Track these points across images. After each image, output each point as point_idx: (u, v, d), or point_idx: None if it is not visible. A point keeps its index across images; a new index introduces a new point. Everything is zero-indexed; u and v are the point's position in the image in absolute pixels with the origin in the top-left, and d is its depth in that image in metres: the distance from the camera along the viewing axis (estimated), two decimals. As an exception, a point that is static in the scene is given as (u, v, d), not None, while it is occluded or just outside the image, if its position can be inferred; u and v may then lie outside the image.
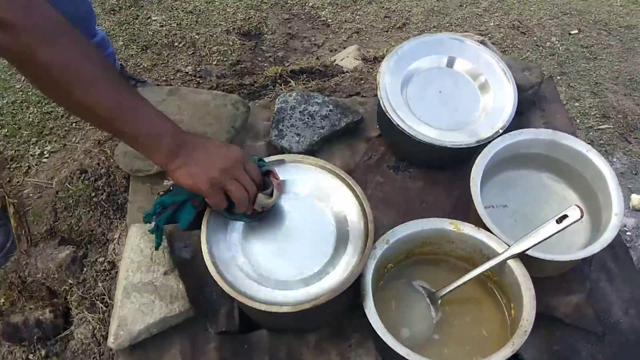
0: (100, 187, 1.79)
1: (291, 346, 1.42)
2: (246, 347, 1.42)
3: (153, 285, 1.36)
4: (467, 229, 1.37)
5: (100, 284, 1.53)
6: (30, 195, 2.09)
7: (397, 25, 3.01)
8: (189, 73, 2.57)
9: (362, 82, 1.99)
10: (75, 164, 1.99)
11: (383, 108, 1.55)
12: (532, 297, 1.24)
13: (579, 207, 1.25)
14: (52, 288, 1.59)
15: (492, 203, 1.57)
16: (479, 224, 1.40)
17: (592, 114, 2.63)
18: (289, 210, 1.32)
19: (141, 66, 2.62)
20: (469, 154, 1.58)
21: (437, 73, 1.64)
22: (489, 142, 1.51)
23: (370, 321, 1.23)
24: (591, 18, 3.10)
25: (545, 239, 1.27)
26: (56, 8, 1.56)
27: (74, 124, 2.38)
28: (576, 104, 2.66)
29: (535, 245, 1.27)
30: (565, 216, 1.26)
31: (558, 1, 3.21)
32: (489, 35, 2.93)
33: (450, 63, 1.64)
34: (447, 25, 3.03)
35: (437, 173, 1.68)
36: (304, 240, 1.28)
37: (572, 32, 3.01)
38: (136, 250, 1.40)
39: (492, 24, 3.05)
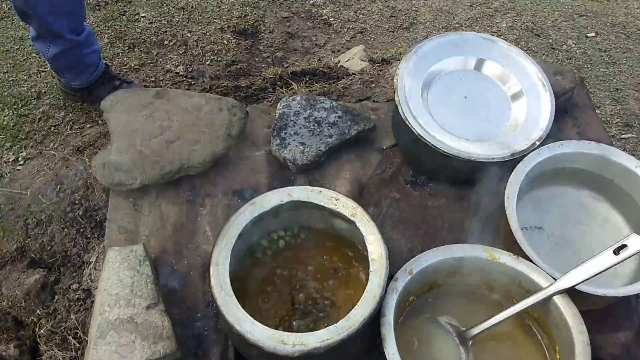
0: (76, 201, 1.58)
1: (295, 391, 1.21)
2: (243, 393, 1.21)
3: (133, 323, 1.15)
4: (505, 257, 1.17)
5: (73, 316, 1.32)
6: (2, 206, 1.87)
7: (404, 25, 2.81)
8: (180, 74, 2.36)
9: (373, 85, 1.79)
10: (50, 174, 1.77)
11: (401, 115, 1.35)
12: (586, 343, 1.05)
13: (640, 235, 1.06)
14: (19, 318, 1.37)
15: (525, 224, 1.38)
16: (515, 250, 1.21)
17: (614, 122, 2.45)
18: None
19: (128, 65, 2.41)
20: (496, 168, 1.39)
21: (463, 76, 1.45)
22: (525, 155, 1.32)
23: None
24: (608, 20, 2.93)
25: (599, 273, 1.07)
26: (46, 1, 1.34)
27: (52, 128, 2.17)
28: (597, 111, 2.48)
29: (588, 279, 1.08)
30: (623, 246, 1.07)
31: (572, 2, 3.04)
32: (502, 37, 2.75)
33: (479, 66, 1.45)
34: (457, 26, 2.84)
35: (460, 189, 1.48)
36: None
37: (589, 35, 2.83)
38: (114, 281, 1.19)
39: (504, 25, 2.87)
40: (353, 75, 1.94)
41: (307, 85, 1.93)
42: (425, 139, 1.31)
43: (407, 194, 1.48)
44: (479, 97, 1.44)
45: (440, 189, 1.48)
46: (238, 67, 2.41)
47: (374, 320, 1.07)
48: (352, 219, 1.18)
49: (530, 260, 1.18)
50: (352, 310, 1.06)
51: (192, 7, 2.76)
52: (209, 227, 1.41)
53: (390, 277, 1.13)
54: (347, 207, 1.20)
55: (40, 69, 2.28)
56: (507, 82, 1.44)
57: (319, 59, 2.46)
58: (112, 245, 1.32)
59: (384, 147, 1.57)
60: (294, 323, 1.19)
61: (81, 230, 1.54)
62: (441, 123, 1.37)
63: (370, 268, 1.11)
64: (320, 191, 1.22)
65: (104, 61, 1.98)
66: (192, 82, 2.30)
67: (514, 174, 1.29)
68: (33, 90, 2.21)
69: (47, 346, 1.29)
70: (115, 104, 1.49)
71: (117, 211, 1.42)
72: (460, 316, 1.22)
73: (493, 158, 1.31)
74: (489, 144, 1.35)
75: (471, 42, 1.45)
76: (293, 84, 1.95)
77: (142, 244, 1.28)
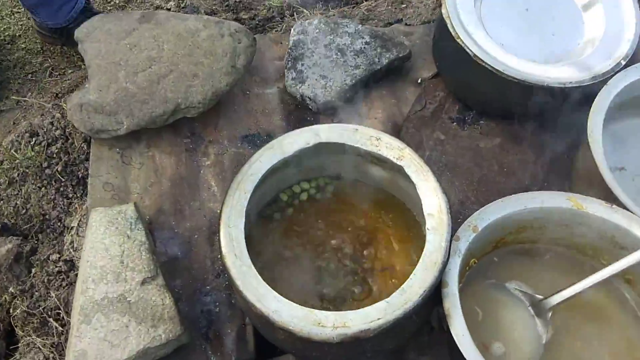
0: (54, 155, 1.32)
1: (330, 378, 0.98)
2: (266, 381, 0.98)
3: (125, 302, 0.91)
4: (595, 206, 0.92)
5: (53, 293, 1.08)
6: (-28, 165, 1.61)
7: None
8: (171, 9, 2.05)
9: (403, 5, 1.49)
10: (24, 125, 1.50)
11: (451, 31, 1.07)
12: None
13: None
14: (-11, 297, 1.13)
15: (603, 165, 1.11)
16: (598, 196, 0.96)
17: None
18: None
19: (112, 2, 2.10)
20: (565, 97, 1.13)
21: (524, -17, 1.16)
22: (608, 78, 1.05)
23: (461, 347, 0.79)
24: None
25: None
26: None
27: (29, 75, 1.88)
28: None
29: None
30: None
31: None
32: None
33: (544, -32, 1.16)
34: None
35: (517, 126, 1.22)
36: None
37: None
38: (98, 250, 0.94)
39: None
40: (377, -4, 1.64)
41: (322, 12, 1.63)
42: (484, 61, 1.03)
43: (453, 134, 1.21)
44: (544, 9, 1.15)
45: (494, 126, 1.22)
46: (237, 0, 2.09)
47: (436, 292, 0.83)
48: (398, 163, 0.92)
49: (626, 209, 0.92)
50: (408, 280, 0.81)
51: None
52: (214, 181, 1.15)
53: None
54: (391, 148, 0.93)
55: (14, 9, 1.98)
56: (580, -11, 1.15)
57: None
58: (96, 206, 1.07)
59: (421, 79, 1.30)
60: (324, 294, 0.94)
61: (61, 189, 1.28)
62: (499, 41, 1.09)
63: (427, 225, 0.86)
64: (357, 129, 0.95)
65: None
66: (186, 17, 1.98)
67: (597, 102, 1.03)
68: (6, 34, 1.92)
69: (23, 331, 1.06)
70: (92, 31, 1.20)
71: (100, 164, 1.16)
72: (534, 282, 0.97)
73: (570, 83, 1.03)
74: (561, 66, 1.07)
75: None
76: (305, 10, 1.65)
77: (133, 203, 1.02)
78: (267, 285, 0.81)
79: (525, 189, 1.13)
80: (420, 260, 0.83)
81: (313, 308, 0.81)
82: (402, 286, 0.81)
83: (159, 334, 0.90)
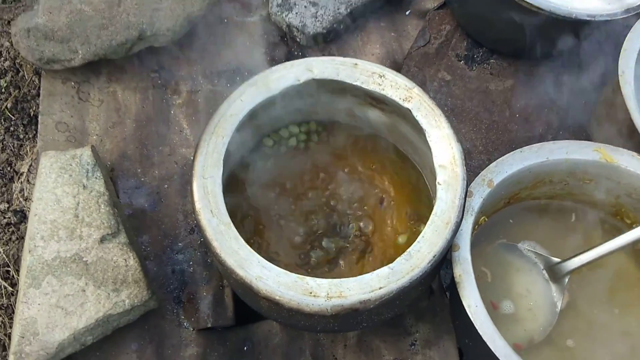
0: (2, 89, 1.14)
1: (319, 344, 0.88)
2: (247, 348, 0.87)
3: (82, 263, 0.77)
4: (627, 159, 0.81)
5: (1, 249, 0.94)
6: None
7: None
8: None
9: None
10: (-33, 54, 1.31)
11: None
12: None
13: None
14: None
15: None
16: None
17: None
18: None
19: None
20: (590, 32, 0.99)
21: None
22: (644, 11, 0.91)
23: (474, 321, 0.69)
24: None
25: None
26: None
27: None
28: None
29: None
30: None
31: None
32: None
33: None
34: None
35: (533, 65, 1.08)
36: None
37: None
38: (48, 201, 0.80)
39: None
40: None
41: None
42: (504, -13, 0.88)
43: (461, 74, 1.07)
44: None
45: (506, 66, 1.08)
46: None
47: (445, 256, 0.71)
48: (405, 105, 0.78)
49: (658, 163, 0.81)
50: (415, 242, 0.69)
51: None
52: (186, 123, 1.00)
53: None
54: (397, 87, 0.79)
55: None
56: None
57: None
58: (48, 149, 0.91)
59: (426, 10, 1.14)
60: (313, 257, 0.82)
61: (11, 128, 1.12)
62: (520, -35, 0.93)
63: (438, 179, 0.73)
64: (356, 64, 0.80)
65: None
66: None
67: (630, 38, 0.90)
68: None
69: (-34, 291, 0.92)
70: (37, -59, 1.00)
71: (53, 100, 0.99)
72: (549, 242, 0.87)
73: (601, 15, 0.89)
74: (589, -4, 0.92)
75: None
76: None
77: (91, 146, 0.87)
78: (249, 247, 0.69)
79: (539, 138, 1.02)
80: (430, 220, 0.71)
81: (302, 272, 0.69)
82: (408, 250, 0.69)
83: (122, 299, 0.78)
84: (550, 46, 1.00)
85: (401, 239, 0.82)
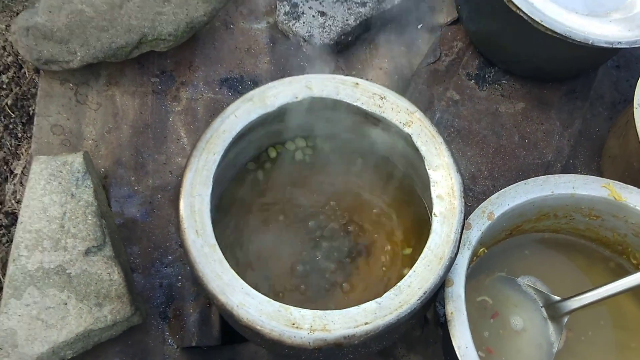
0: (4, 86, 1.12)
1: (305, 369, 0.85)
2: (231, 368, 0.85)
3: (65, 275, 0.76)
4: (637, 198, 0.76)
5: (-10, 252, 0.93)
6: None
7: None
8: None
9: None
10: (-27, 47, 1.29)
11: (481, -31, 0.87)
12: None
13: None
14: None
15: None
16: (636, 182, 0.80)
17: None
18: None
19: None
20: (603, 58, 0.95)
21: None
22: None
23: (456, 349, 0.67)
24: None
25: None
26: None
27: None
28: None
29: None
30: None
31: None
32: None
33: None
34: None
35: (545, 89, 1.04)
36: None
37: None
38: (35, 209, 0.78)
39: None
40: None
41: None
42: (518, 6, 0.84)
43: (470, 94, 1.03)
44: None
45: (518, 87, 1.04)
46: None
47: (438, 291, 0.68)
48: (405, 130, 0.75)
49: (671, 204, 0.77)
50: (406, 277, 0.66)
51: None
52: (184, 132, 0.98)
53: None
54: (398, 110, 0.76)
55: None
56: None
57: None
58: (42, 152, 0.90)
59: (438, 25, 1.10)
60: (304, 281, 0.79)
61: (10, 126, 1.10)
62: (538, -14, 0.89)
63: (434, 210, 0.70)
64: (357, 84, 0.77)
65: None
66: None
67: (649, 69, 0.85)
68: None
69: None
70: (43, -62, 0.98)
71: (49, 102, 0.97)
72: (550, 278, 0.84)
73: (620, 43, 0.85)
74: (609, 22, 0.88)
75: None
76: None
77: (83, 152, 0.85)
78: (233, 272, 0.66)
79: (547, 165, 0.98)
80: (423, 254, 0.67)
81: (296, 294, 0.67)
82: (398, 284, 0.66)
83: (104, 314, 0.76)
84: (564, 70, 0.96)
85: (405, 271, 0.79)
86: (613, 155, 0.93)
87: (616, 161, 0.91)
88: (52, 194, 0.79)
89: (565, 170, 0.97)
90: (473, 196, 0.94)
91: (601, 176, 0.82)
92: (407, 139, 0.75)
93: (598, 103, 1.03)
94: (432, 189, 0.71)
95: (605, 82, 1.05)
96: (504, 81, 1.04)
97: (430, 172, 0.72)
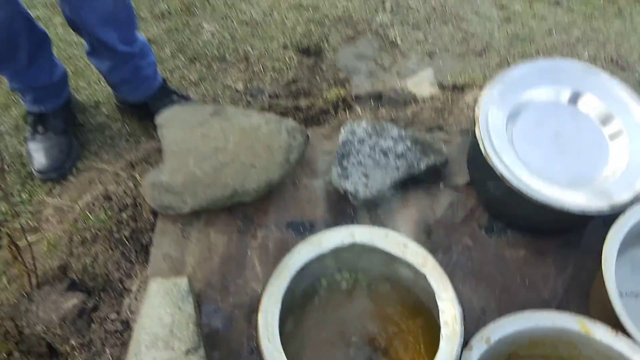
0: (124, 221, 1.50)
1: None
2: None
3: (170, 368, 1.03)
4: (601, 333, 0.99)
5: (108, 350, 1.22)
6: (50, 218, 1.82)
7: (476, 50, 2.63)
8: (239, 90, 2.28)
9: (445, 113, 1.64)
10: (100, 189, 1.71)
11: (482, 151, 1.19)
12: None
13: None
14: (53, 345, 1.28)
15: (620, 289, 1.17)
16: (610, 320, 1.02)
17: None
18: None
19: (188, 79, 2.35)
20: (586, 219, 1.21)
21: (554, 110, 1.28)
22: (626, 208, 1.13)
23: None
24: None
25: None
26: (92, 10, 1.28)
27: (108, 139, 2.12)
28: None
29: None
30: None
31: (662, 34, 2.77)
32: (584, 67, 2.52)
33: (574, 99, 1.27)
34: (534, 53, 2.64)
35: (543, 241, 1.30)
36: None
37: (682, 70, 2.57)
38: (153, 318, 1.08)
39: (586, 55, 2.64)
40: (422, 102, 1.79)
41: (372, 110, 1.80)
42: (510, 181, 1.15)
43: (481, 241, 1.31)
44: (573, 135, 1.26)
45: (520, 238, 1.31)
46: (299, 86, 2.31)
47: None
48: (421, 270, 1.03)
49: (630, 338, 0.99)
50: (419, 382, 0.90)
51: (256, 22, 2.68)
52: (258, 262, 1.29)
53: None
54: (416, 255, 1.05)
55: (101, 78, 2.25)
56: (607, 120, 1.25)
57: (384, 82, 2.32)
58: (155, 275, 1.22)
59: (455, 186, 1.41)
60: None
61: (126, 253, 1.45)
62: (527, 163, 1.20)
63: (442, 332, 0.95)
64: (387, 235, 1.08)
65: (162, 75, 1.92)
66: (251, 100, 2.21)
67: (614, 230, 1.11)
68: (92, 99, 2.17)
69: (78, 381, 1.19)
70: (170, 119, 1.40)
71: (164, 237, 1.32)
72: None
73: (590, 210, 1.12)
74: (584, 192, 1.16)
75: (567, 71, 1.28)
76: (357, 107, 1.82)
77: (187, 276, 1.17)
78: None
79: (544, 303, 1.20)
80: (432, 366, 0.92)
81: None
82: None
83: (195, 400, 1.02)
84: (555, 228, 1.23)
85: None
86: (596, 298, 1.15)
87: (598, 302, 1.14)
88: (166, 307, 1.10)
89: (559, 307, 1.20)
90: (484, 326, 1.17)
91: (588, 314, 1.05)
92: (423, 276, 1.03)
93: (587, 252, 1.27)
94: (441, 315, 0.97)
95: (594, 235, 1.29)
96: (509, 232, 1.31)
97: (439, 302, 0.98)
